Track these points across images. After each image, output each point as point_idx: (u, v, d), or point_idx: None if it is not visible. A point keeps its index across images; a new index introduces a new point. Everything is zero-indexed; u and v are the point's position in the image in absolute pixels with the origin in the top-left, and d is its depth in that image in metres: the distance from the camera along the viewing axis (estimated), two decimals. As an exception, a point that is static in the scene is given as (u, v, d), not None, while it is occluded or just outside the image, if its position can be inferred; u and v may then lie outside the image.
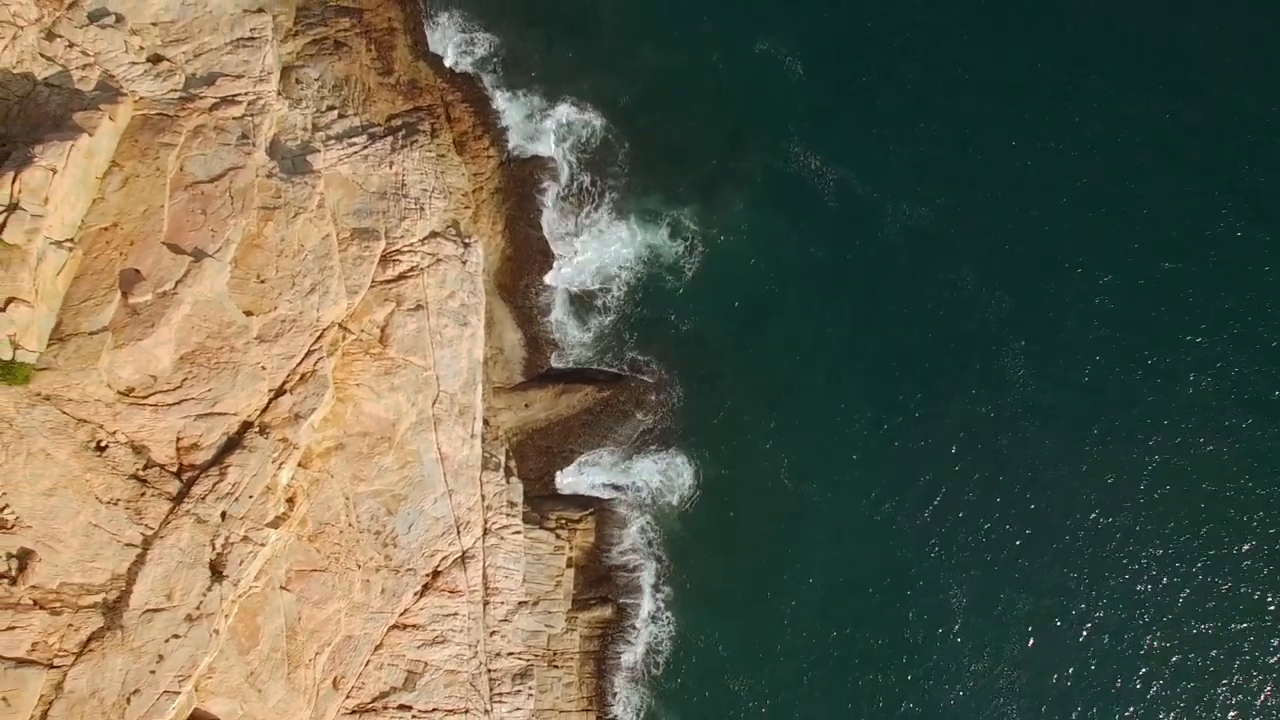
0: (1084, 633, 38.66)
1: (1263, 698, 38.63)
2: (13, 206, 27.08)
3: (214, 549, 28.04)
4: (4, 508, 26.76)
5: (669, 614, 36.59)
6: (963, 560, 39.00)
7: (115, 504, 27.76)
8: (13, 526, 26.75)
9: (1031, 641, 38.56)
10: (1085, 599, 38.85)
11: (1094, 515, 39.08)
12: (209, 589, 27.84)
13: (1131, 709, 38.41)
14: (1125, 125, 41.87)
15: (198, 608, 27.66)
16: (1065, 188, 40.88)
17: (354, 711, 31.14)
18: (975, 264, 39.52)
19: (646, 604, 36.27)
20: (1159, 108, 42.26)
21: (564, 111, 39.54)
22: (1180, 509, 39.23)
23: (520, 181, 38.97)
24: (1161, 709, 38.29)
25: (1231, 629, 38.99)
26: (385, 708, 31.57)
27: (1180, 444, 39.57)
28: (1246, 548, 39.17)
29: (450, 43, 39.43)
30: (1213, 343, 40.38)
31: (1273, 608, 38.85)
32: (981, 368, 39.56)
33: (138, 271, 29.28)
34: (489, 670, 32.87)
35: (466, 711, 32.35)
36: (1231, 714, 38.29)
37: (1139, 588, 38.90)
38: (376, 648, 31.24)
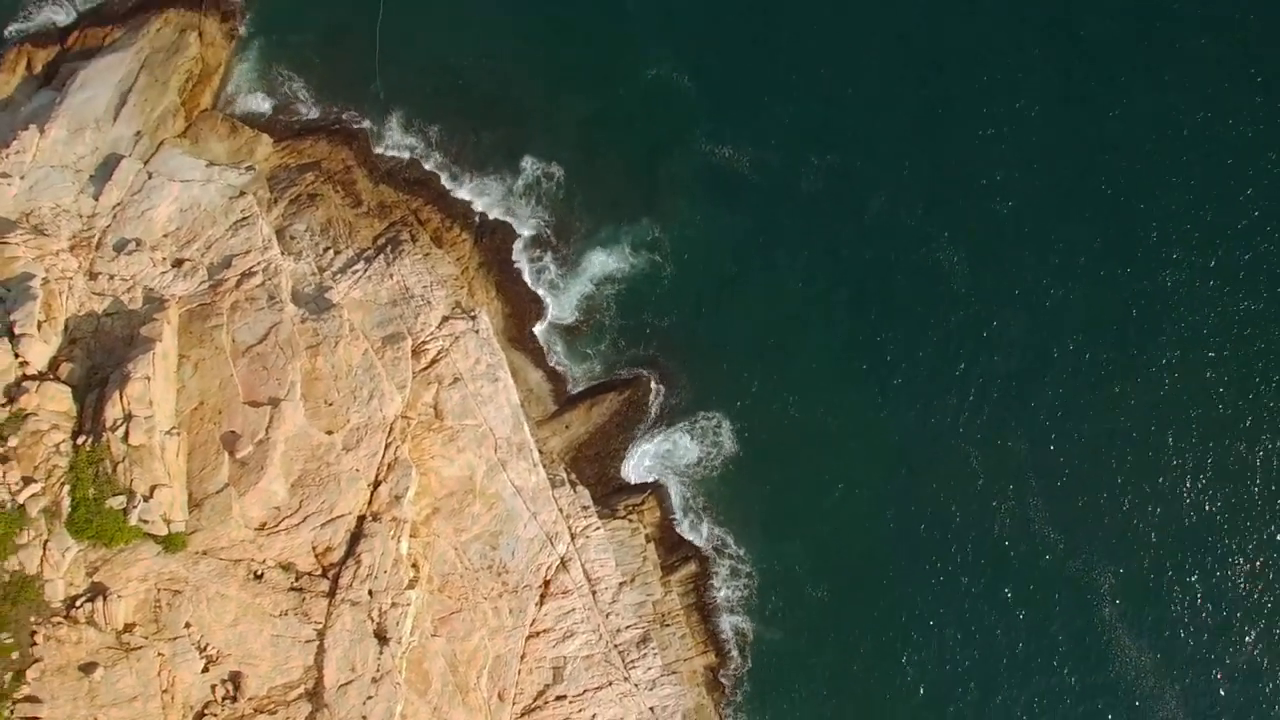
0: (1088, 462, 44.84)
1: (1245, 496, 44.89)
2: (128, 416, 33.55)
3: (373, 621, 34.56)
4: (205, 647, 33.27)
5: (742, 552, 42.83)
6: (974, 433, 44.72)
7: (285, 614, 34.26)
8: (218, 659, 33.27)
9: (1044, 484, 44.51)
10: (1069, 447, 45.00)
11: (1049, 382, 45.34)
12: (380, 653, 34.33)
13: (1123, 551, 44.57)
14: (981, 43, 48.72)
15: (377, 670, 34.15)
16: (946, 108, 47.61)
17: (524, 714, 37.65)
18: (887, 188, 46.11)
19: (720, 552, 42.60)
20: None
21: (511, 180, 45.70)
22: (1128, 371, 45.87)
23: (494, 250, 45.13)
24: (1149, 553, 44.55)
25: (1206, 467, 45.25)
26: (546, 703, 38.08)
27: (1095, 307, 46.22)
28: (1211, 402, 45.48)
29: (402, 154, 45.63)
30: (1102, 212, 47.08)
31: (1248, 422, 45.19)
32: (923, 267, 45.95)
33: (233, 432, 35.73)
34: (616, 645, 39.35)
35: (611, 684, 38.84)
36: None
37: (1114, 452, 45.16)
38: (522, 658, 37.72)
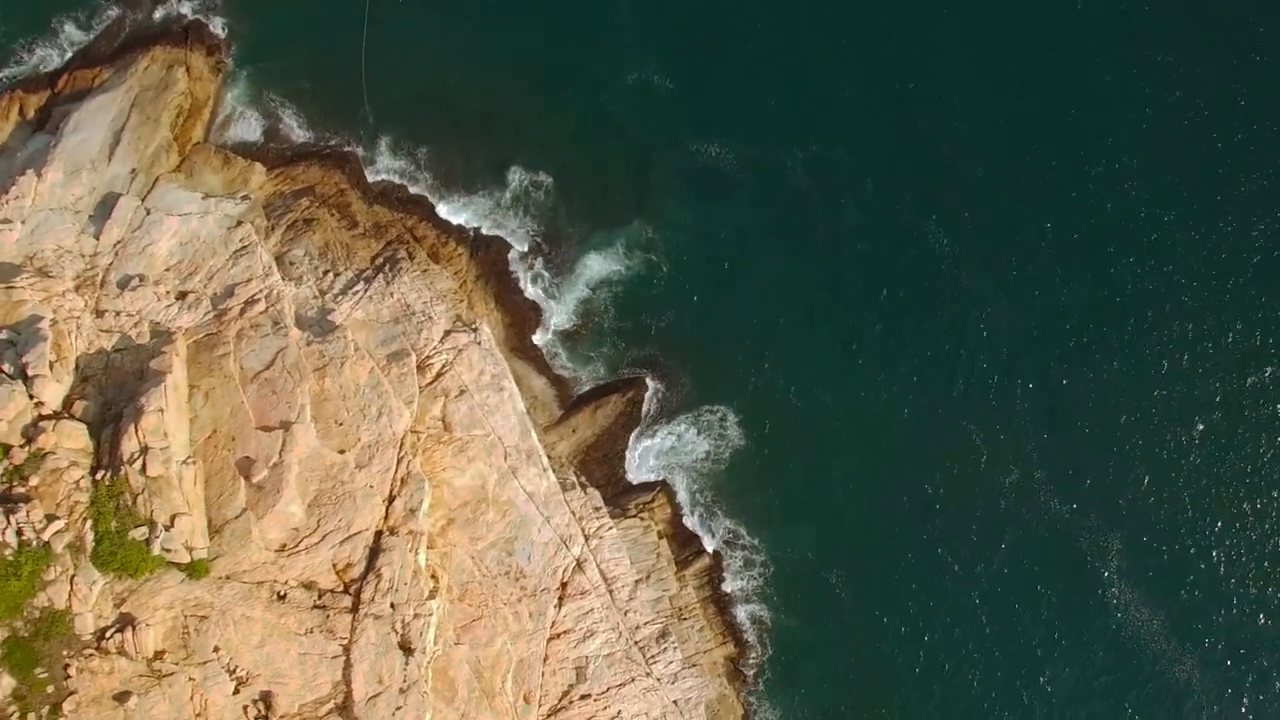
0: (1089, 433, 45.85)
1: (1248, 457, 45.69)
2: (144, 449, 34.24)
3: (397, 633, 35.25)
4: (235, 669, 33.98)
5: (756, 542, 43.54)
6: (975, 411, 45.60)
7: (311, 632, 34.96)
8: (248, 680, 33.97)
9: (1046, 456, 45.41)
10: (1070, 419, 46.02)
11: (1046, 356, 46.36)
12: (406, 664, 35.05)
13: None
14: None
15: (404, 681, 34.87)
16: (926, 96, 48.18)
17: (550, 714, 38.34)
18: (873, 176, 46.81)
19: (731, 543, 43.29)
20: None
21: (502, 192, 46.29)
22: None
23: (491, 262, 45.67)
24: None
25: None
26: (571, 703, 38.79)
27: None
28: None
29: (394, 178, 46.24)
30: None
31: (1249, 384, 46.20)
32: (915, 251, 46.63)
33: (248, 458, 36.39)
34: (635, 642, 40.05)
35: (633, 680, 39.56)
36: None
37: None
38: (545, 660, 38.45)
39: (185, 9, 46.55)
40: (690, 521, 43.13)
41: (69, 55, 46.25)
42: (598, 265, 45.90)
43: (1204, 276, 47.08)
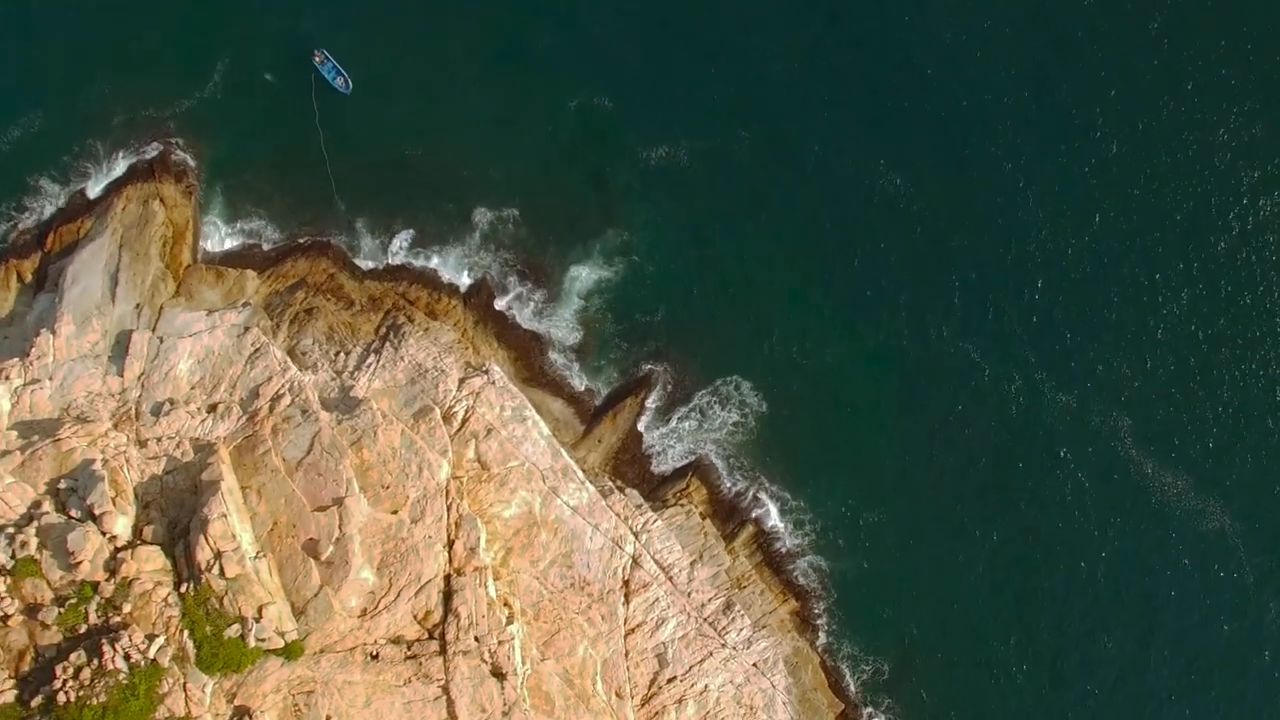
0: (1077, 324, 48.53)
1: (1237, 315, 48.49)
2: (218, 554, 36.82)
3: (486, 663, 37.80)
4: (348, 731, 36.55)
5: (796, 501, 46.06)
6: (968, 329, 48.35)
7: (409, 682, 37.52)
8: (362, 739, 36.55)
9: (1043, 356, 48.29)
10: (1056, 315, 48.84)
11: (1021, 263, 48.98)
12: (502, 689, 37.58)
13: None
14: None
15: (504, 705, 37.40)
16: (855, 53, 51.12)
17: (643, 704, 40.87)
18: (818, 138, 49.47)
19: (772, 505, 45.86)
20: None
21: (475, 237, 48.71)
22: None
23: (484, 306, 48.28)
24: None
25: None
26: (660, 688, 41.31)
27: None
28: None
29: (378, 257, 48.76)
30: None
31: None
32: (873, 198, 49.16)
33: (312, 539, 38.94)
34: (704, 619, 42.57)
35: (711, 654, 42.08)
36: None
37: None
38: (626, 655, 40.97)
39: (144, 146, 48.97)
40: (726, 496, 45.56)
41: (51, 212, 48.67)
42: (584, 277, 48.23)
43: (1166, 170, 49.57)
